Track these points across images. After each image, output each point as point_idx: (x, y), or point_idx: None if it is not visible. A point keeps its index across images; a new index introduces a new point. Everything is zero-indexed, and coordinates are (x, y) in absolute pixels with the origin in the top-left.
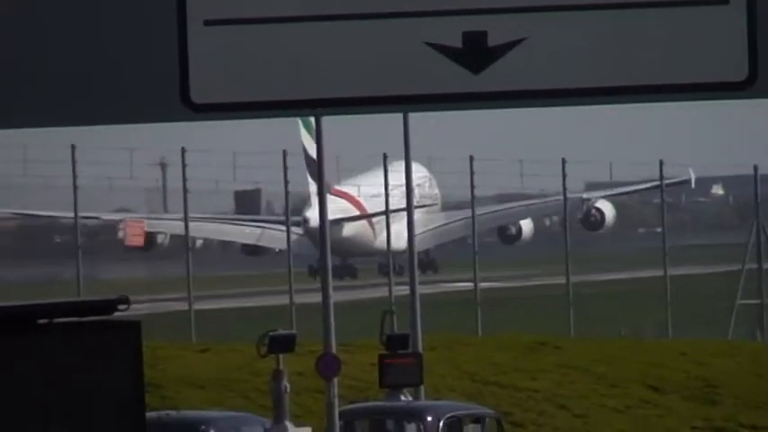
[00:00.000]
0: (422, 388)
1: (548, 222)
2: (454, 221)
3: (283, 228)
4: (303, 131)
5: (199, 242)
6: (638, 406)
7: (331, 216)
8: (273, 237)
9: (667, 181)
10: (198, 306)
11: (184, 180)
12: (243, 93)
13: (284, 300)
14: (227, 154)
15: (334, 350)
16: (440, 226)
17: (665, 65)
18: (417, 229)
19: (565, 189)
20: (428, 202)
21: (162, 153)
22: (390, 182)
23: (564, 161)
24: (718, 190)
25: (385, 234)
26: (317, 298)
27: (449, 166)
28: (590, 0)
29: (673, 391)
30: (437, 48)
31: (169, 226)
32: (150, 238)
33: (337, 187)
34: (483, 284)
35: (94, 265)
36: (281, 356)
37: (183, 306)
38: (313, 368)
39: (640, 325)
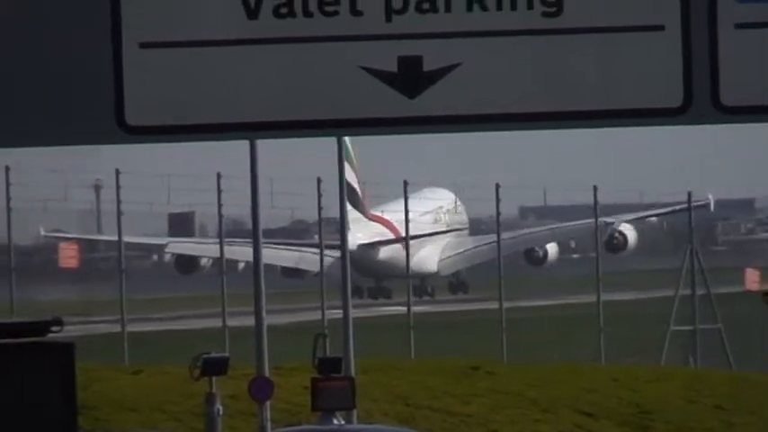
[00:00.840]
0: (354, 412)
1: (573, 245)
2: (482, 245)
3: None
4: (345, 162)
5: (241, 265)
6: (570, 431)
7: (368, 240)
8: (312, 260)
9: (693, 204)
10: (134, 328)
11: (118, 202)
12: (178, 116)
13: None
14: (161, 176)
15: (266, 373)
16: (468, 249)
17: (600, 91)
18: (447, 253)
19: (596, 214)
20: (457, 226)
21: (96, 175)
22: (421, 208)
23: (498, 186)
24: (650, 217)
25: (418, 257)
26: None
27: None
28: (525, 25)
29: (605, 416)
30: (372, 72)
31: (206, 249)
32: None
33: (373, 212)
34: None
35: (29, 286)
36: (213, 379)
37: (116, 328)
38: (246, 391)
39: (574, 350)
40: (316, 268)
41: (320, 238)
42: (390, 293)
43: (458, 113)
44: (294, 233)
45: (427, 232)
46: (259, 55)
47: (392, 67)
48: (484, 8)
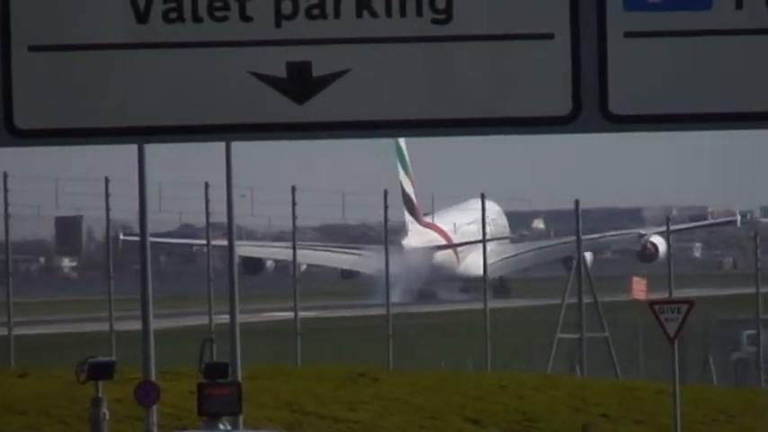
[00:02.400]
0: (240, 417)
1: (608, 254)
2: (524, 252)
3: (372, 255)
4: (401, 171)
5: (303, 267)
6: None
7: (423, 245)
8: (363, 263)
9: (718, 220)
10: (21, 331)
11: (6, 205)
12: (67, 119)
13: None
14: (49, 180)
15: (153, 378)
16: (511, 256)
17: (488, 98)
18: (492, 259)
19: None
20: (500, 235)
21: None
22: (468, 218)
23: (386, 192)
24: (539, 224)
25: (465, 262)
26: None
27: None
28: (415, 32)
29: (492, 423)
30: (262, 78)
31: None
32: None
33: (427, 220)
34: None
35: None
36: (100, 383)
37: (3, 331)
38: (132, 395)
39: (461, 357)
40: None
41: (207, 241)
42: (435, 294)
43: (346, 119)
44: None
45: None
46: (148, 59)
47: (281, 72)
48: (373, 14)
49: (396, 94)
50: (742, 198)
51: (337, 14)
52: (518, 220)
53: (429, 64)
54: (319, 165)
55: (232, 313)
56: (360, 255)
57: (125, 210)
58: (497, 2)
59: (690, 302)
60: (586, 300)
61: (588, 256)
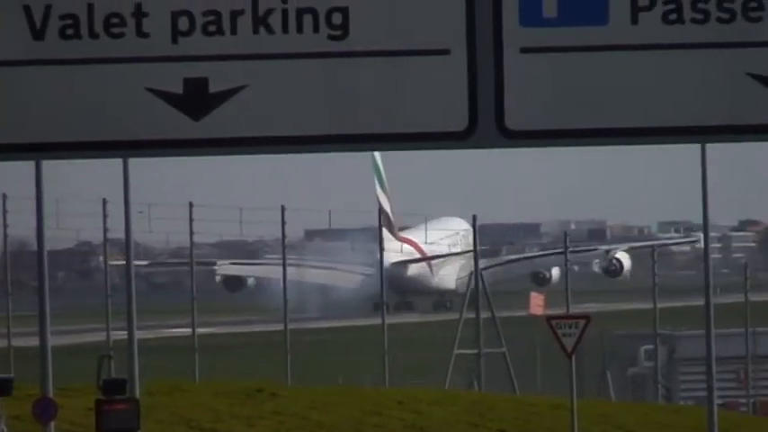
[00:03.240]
0: None
1: (576, 268)
2: (493, 266)
3: (352, 271)
4: (377, 187)
5: (289, 283)
6: None
7: (398, 259)
8: (345, 278)
9: (688, 239)
10: None
11: None
12: None
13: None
14: None
15: (51, 394)
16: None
17: (385, 114)
18: (464, 273)
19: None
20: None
21: None
22: (441, 234)
23: (283, 208)
24: None
25: (439, 276)
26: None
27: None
28: (311, 48)
29: None
30: (158, 94)
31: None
32: None
33: (403, 235)
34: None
35: None
36: None
37: None
38: (30, 412)
39: (358, 373)
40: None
41: (105, 259)
42: (413, 307)
43: (244, 135)
44: (79, 255)
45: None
46: (45, 76)
47: (178, 88)
48: (270, 31)
49: (293, 110)
50: (640, 213)
51: (234, 31)
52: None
53: (326, 80)
54: (217, 181)
55: (130, 329)
56: (335, 270)
57: (22, 227)
58: (394, 18)
59: (587, 318)
60: (485, 315)
61: (555, 271)
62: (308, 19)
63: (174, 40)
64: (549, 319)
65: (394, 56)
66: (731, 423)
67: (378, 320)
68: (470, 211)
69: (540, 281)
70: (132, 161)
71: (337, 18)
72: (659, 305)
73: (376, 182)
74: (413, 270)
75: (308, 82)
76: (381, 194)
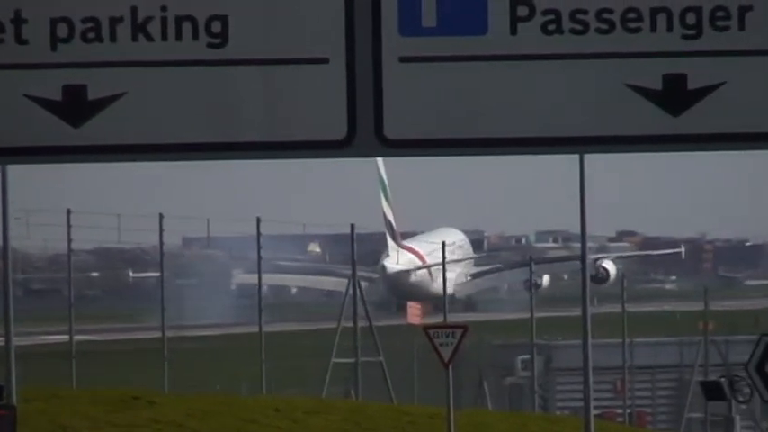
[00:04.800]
0: None
1: (566, 277)
2: (487, 273)
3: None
4: (383, 200)
5: (294, 290)
6: None
7: (402, 267)
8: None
9: (660, 252)
10: None
11: None
12: None
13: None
14: None
15: None
16: (476, 276)
17: (264, 122)
18: (461, 279)
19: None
20: (465, 258)
21: None
22: (439, 243)
23: (161, 216)
24: (315, 248)
25: (437, 282)
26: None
27: (46, 218)
28: (190, 56)
29: None
30: (37, 101)
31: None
32: None
33: (405, 243)
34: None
35: None
36: None
37: None
38: None
39: (236, 381)
40: None
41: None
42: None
43: (123, 143)
44: None
45: (453, 258)
46: None
47: (57, 95)
48: (149, 38)
49: (172, 117)
50: (518, 223)
51: (113, 38)
52: (293, 244)
53: (205, 88)
54: (95, 188)
55: (7, 336)
56: (341, 278)
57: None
58: (273, 26)
59: (464, 327)
60: (362, 324)
61: (546, 278)
62: (187, 26)
63: (53, 47)
64: (426, 328)
65: (273, 64)
66: None
67: (255, 328)
68: (349, 219)
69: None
70: (10, 167)
71: (216, 26)
72: (537, 314)
73: (381, 194)
74: (414, 276)
75: (187, 90)
76: (386, 206)
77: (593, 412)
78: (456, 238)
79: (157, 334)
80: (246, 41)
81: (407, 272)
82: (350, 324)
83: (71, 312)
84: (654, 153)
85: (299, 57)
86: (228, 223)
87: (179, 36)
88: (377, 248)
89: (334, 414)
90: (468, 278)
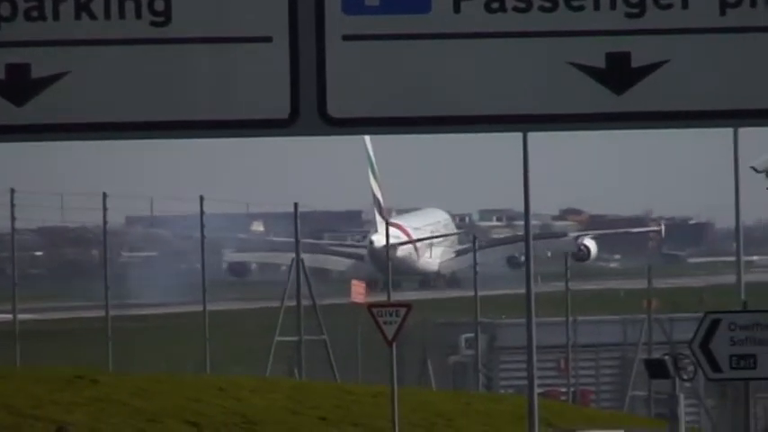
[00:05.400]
0: None
1: (549, 254)
2: (471, 251)
3: (339, 257)
4: (370, 176)
5: (283, 268)
6: None
7: (391, 242)
8: (337, 262)
9: (641, 230)
10: None
11: None
12: None
13: None
14: None
15: None
16: (460, 255)
17: (208, 101)
18: (445, 257)
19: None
20: (449, 239)
21: None
22: (424, 222)
23: (105, 195)
24: (258, 226)
25: (423, 259)
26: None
27: None
28: (133, 34)
29: (210, 426)
30: None
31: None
32: None
33: (393, 220)
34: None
35: None
36: None
37: None
38: None
39: (180, 360)
40: None
41: None
42: (400, 285)
43: (66, 121)
44: None
45: (434, 235)
46: None
47: (0, 74)
48: (92, 16)
49: (115, 96)
50: (461, 202)
51: (56, 16)
52: (236, 223)
53: (148, 66)
54: (38, 167)
55: None
56: (329, 256)
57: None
58: (216, 5)
59: (408, 306)
60: (306, 302)
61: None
62: (129, 5)
63: None
64: (370, 306)
65: (216, 43)
66: (551, 411)
67: (200, 307)
68: (292, 198)
69: (514, 265)
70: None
71: (159, 5)
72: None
73: (369, 171)
74: (401, 252)
75: (130, 68)
76: (374, 182)
77: (537, 391)
78: (440, 218)
79: (101, 313)
80: (190, 20)
81: (394, 247)
82: (293, 302)
83: (14, 292)
84: (598, 131)
85: (243, 35)
86: (172, 202)
87: (122, 14)
88: (321, 227)
89: (277, 393)
90: (453, 255)
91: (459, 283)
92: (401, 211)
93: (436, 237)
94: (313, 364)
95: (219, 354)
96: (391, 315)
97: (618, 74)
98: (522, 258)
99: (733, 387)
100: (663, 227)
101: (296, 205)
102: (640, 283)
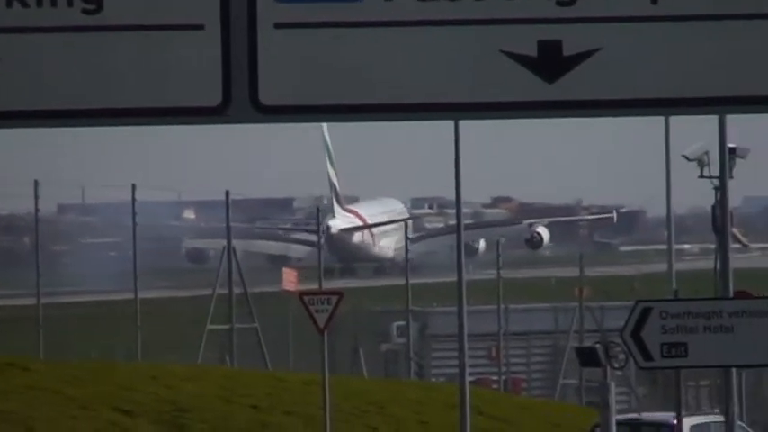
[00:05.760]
0: None
1: (503, 240)
2: (426, 238)
3: (300, 244)
4: (328, 163)
5: (240, 254)
6: (107, 429)
7: (345, 226)
8: (296, 249)
9: (592, 217)
10: None
11: None
12: None
13: None
14: None
15: None
16: (413, 241)
17: (139, 89)
18: (399, 244)
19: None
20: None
21: None
22: (380, 209)
23: (36, 183)
24: (190, 214)
25: (379, 246)
26: None
27: None
28: (65, 22)
29: (142, 414)
30: None
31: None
32: None
33: (348, 206)
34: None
35: None
36: None
37: None
38: None
39: (112, 348)
40: None
41: None
42: (356, 272)
43: (4, 109)
44: None
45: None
46: None
47: None
48: (24, 4)
49: (47, 83)
50: (392, 189)
51: None
52: (167, 211)
53: (80, 54)
54: None
55: None
56: (288, 243)
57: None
58: None
59: (339, 293)
60: (238, 290)
61: (482, 243)
62: None
63: None
64: (301, 294)
65: (148, 30)
66: (483, 400)
67: (131, 295)
68: (224, 186)
69: (469, 252)
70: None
71: None
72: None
73: (326, 158)
74: (357, 238)
75: (62, 56)
76: (331, 170)
77: (469, 379)
78: (396, 207)
79: (33, 301)
80: (121, 8)
81: (350, 232)
82: (225, 290)
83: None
84: (529, 119)
85: (175, 23)
86: (104, 190)
87: (54, 2)
88: (253, 215)
89: (209, 381)
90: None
91: (414, 270)
92: (351, 200)
93: (391, 222)
94: (245, 352)
95: (152, 341)
96: (323, 303)
97: (549, 62)
98: (476, 245)
99: (664, 375)
100: (615, 213)
101: (227, 193)
102: (572, 271)
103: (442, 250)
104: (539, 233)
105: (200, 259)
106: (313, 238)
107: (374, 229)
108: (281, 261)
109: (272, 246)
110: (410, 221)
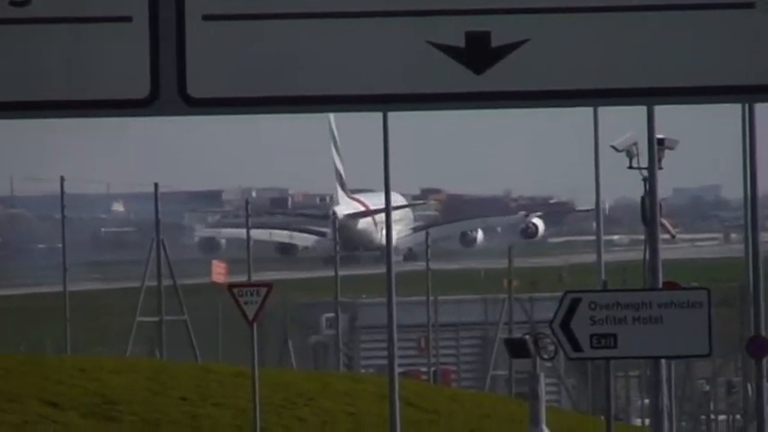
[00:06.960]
0: None
1: (499, 230)
2: (426, 227)
3: (306, 234)
4: (333, 151)
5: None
6: (35, 421)
7: (351, 211)
8: (302, 238)
9: (578, 209)
10: None
11: None
12: None
13: None
14: None
15: None
16: (416, 230)
17: (67, 82)
18: (404, 233)
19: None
20: (404, 219)
21: None
22: (380, 201)
23: None
24: (119, 207)
25: (381, 234)
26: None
27: None
28: (54, 12)
29: (71, 407)
30: None
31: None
32: None
33: (354, 195)
34: None
35: None
36: None
37: None
38: None
39: (40, 341)
40: None
41: None
42: (359, 260)
43: None
44: None
45: (398, 205)
46: None
47: None
48: None
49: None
50: (322, 182)
51: None
52: (95, 204)
53: (8, 46)
54: None
55: None
56: (295, 232)
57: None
58: None
59: (268, 285)
60: (167, 282)
61: (480, 233)
62: None
63: None
64: (230, 286)
65: (76, 23)
66: (412, 391)
67: (60, 287)
68: (152, 178)
69: (467, 242)
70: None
71: None
72: (341, 273)
73: (332, 146)
74: (362, 225)
75: (51, 49)
76: (336, 158)
77: (398, 370)
78: (398, 199)
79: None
80: (50, 0)
81: (355, 219)
82: (154, 283)
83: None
84: (458, 110)
85: (103, 15)
86: (30, 183)
87: None
88: (180, 209)
89: (138, 373)
90: (410, 231)
91: (415, 258)
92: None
93: (397, 207)
94: (174, 344)
95: (80, 334)
96: (252, 295)
97: (478, 53)
98: (473, 234)
99: (593, 366)
100: (607, 205)
101: (156, 185)
102: (501, 263)
103: (443, 239)
104: (534, 224)
105: (212, 249)
106: (321, 228)
107: (377, 217)
108: (289, 250)
109: (282, 234)
110: (409, 213)
